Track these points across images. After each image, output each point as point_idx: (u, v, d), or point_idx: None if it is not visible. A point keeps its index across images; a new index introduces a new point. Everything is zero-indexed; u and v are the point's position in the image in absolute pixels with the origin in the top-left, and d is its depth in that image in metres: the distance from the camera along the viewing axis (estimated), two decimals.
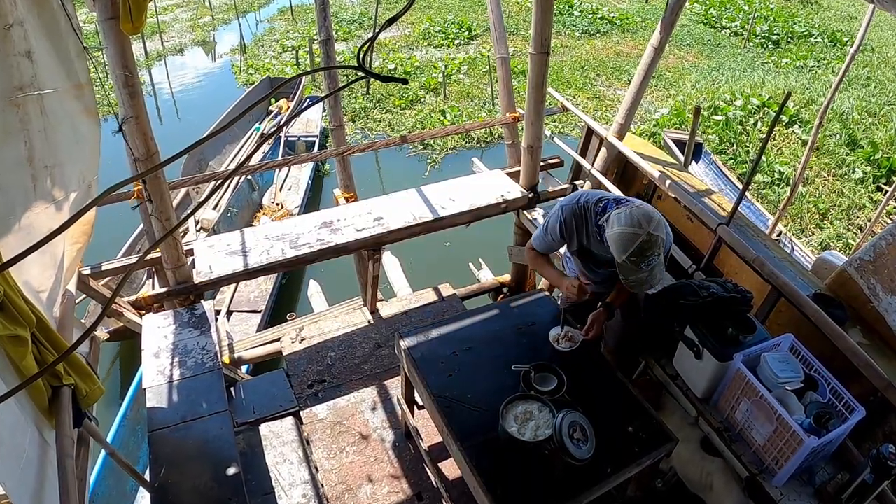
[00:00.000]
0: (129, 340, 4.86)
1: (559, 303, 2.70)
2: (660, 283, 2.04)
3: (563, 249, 2.73)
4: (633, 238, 1.94)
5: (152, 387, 2.57)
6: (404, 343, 2.46)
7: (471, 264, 5.30)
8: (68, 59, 2.07)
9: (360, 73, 1.06)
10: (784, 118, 8.94)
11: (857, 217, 7.36)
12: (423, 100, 10.53)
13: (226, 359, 3.67)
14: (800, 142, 8.59)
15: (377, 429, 3.11)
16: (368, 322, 3.84)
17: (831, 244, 6.84)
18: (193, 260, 3.19)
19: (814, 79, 10.89)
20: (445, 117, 9.81)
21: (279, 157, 7.93)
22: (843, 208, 7.46)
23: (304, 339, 3.71)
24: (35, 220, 1.84)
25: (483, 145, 9.35)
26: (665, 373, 2.65)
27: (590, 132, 4.27)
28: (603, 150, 4.07)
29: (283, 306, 5.79)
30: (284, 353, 3.64)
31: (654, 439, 2.11)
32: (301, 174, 7.76)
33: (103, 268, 3.05)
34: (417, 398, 2.73)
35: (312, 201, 7.58)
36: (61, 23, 2.01)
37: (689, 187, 3.69)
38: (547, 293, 2.84)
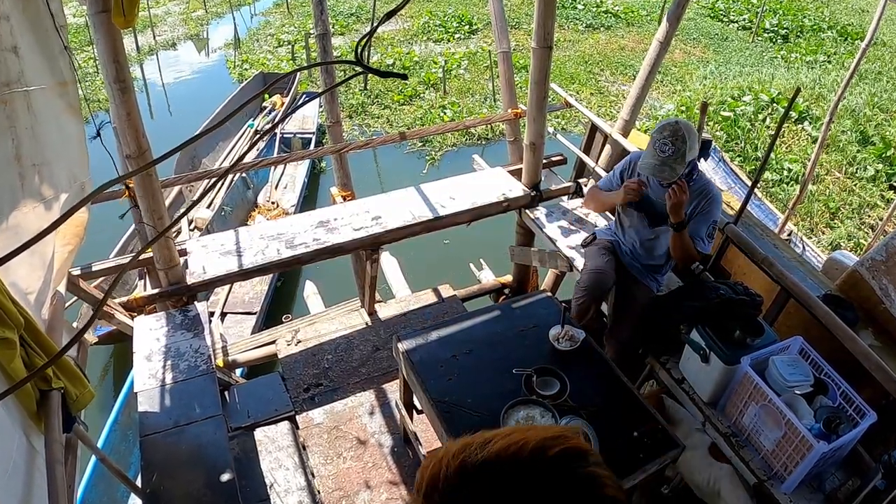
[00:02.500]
0: (121, 343, 4.85)
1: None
2: (668, 177, 2.45)
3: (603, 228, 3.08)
4: (666, 121, 2.48)
5: (144, 390, 2.57)
6: (403, 346, 2.46)
7: (471, 265, 5.30)
8: (53, 56, 2.07)
9: (358, 69, 1.06)
10: (793, 114, 8.94)
11: (869, 216, 7.36)
12: (422, 95, 10.53)
13: (219, 362, 3.67)
14: (810, 139, 8.58)
15: (375, 434, 3.10)
16: (366, 324, 3.84)
17: (842, 244, 6.84)
18: (186, 260, 3.19)
19: (824, 74, 10.88)
20: (445, 113, 9.80)
21: (274, 155, 7.93)
22: (854, 207, 7.45)
23: (299, 342, 3.71)
24: (23, 220, 1.84)
25: (484, 142, 9.35)
26: (671, 376, 2.65)
27: (594, 129, 4.27)
28: (607, 147, 4.06)
29: (278, 308, 5.78)
30: (280, 356, 3.64)
31: (660, 445, 2.11)
32: (297, 172, 7.76)
33: (94, 268, 3.05)
34: (416, 402, 2.73)
35: (309, 200, 7.58)
36: (46, 19, 2.01)
37: None
38: (549, 294, 2.84)
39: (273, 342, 3.81)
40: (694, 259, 2.64)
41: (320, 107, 9.12)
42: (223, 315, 5.49)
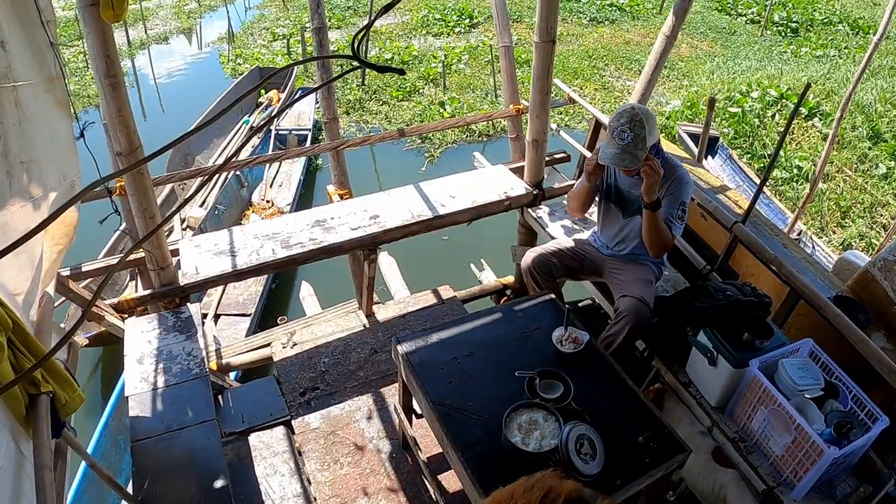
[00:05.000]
0: (111, 346, 4.85)
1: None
2: (629, 165, 2.49)
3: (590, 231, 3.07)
4: (622, 108, 2.51)
5: (135, 395, 2.57)
6: (402, 348, 2.46)
7: (472, 265, 5.30)
8: (41, 50, 2.07)
9: (355, 63, 1.06)
10: (803, 110, 8.94)
11: (881, 215, 7.36)
12: (421, 91, 10.54)
13: (213, 365, 3.67)
14: (820, 135, 8.59)
15: (373, 439, 3.11)
16: (364, 326, 3.84)
17: (853, 243, 6.85)
18: (179, 260, 3.20)
19: (834, 69, 10.88)
20: (445, 109, 9.81)
21: (269, 152, 7.93)
22: (866, 206, 7.46)
23: (295, 345, 3.71)
24: (10, 219, 1.84)
25: (485, 139, 9.36)
26: (677, 380, 2.65)
27: (598, 125, 4.27)
28: None
29: (273, 309, 5.79)
30: (275, 359, 3.64)
31: (666, 450, 2.11)
32: (293, 170, 7.77)
33: (83, 269, 3.05)
34: (416, 406, 2.73)
35: (305, 198, 7.59)
36: (34, 13, 2.01)
37: (703, 183, 3.69)
38: (552, 295, 2.84)
39: (268, 345, 3.81)
40: (666, 243, 2.63)
41: (317, 103, 9.13)
42: (217, 317, 5.49)
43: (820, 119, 8.91)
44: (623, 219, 2.80)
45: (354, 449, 3.05)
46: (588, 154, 4.26)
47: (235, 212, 7.02)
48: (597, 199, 2.95)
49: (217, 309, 5.53)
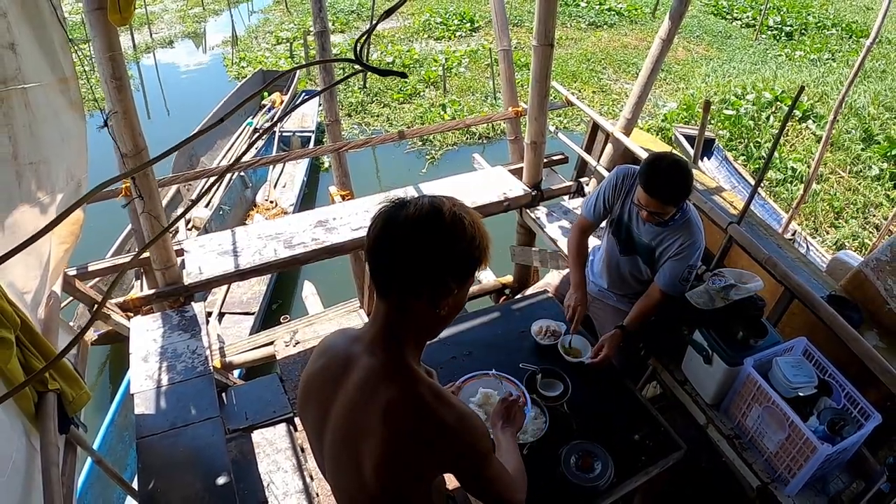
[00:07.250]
0: (117, 344, 4.86)
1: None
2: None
3: (592, 242, 2.83)
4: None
5: (140, 392, 2.57)
6: None
7: None
8: (52, 51, 2.07)
9: (358, 67, 1.06)
10: (797, 113, 8.94)
11: (874, 216, 7.36)
12: (422, 94, 10.53)
13: (217, 363, 3.67)
14: (814, 137, 8.58)
15: None
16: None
17: (846, 244, 6.84)
18: (183, 260, 3.20)
19: (828, 72, 10.88)
20: (445, 112, 9.80)
21: (273, 153, 7.93)
22: (859, 206, 7.46)
23: (298, 343, 3.71)
24: (20, 219, 1.84)
25: (484, 141, 9.35)
26: (673, 378, 2.65)
27: (595, 127, 4.27)
28: (609, 145, 4.07)
29: (276, 308, 5.79)
30: (278, 357, 3.64)
31: (662, 448, 2.11)
32: (296, 170, 7.77)
33: (90, 268, 3.05)
34: None
35: (308, 198, 7.59)
36: (45, 13, 2.01)
37: (699, 184, 3.69)
38: (551, 294, 2.84)
39: (271, 343, 3.81)
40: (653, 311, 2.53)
41: (319, 105, 9.13)
42: (221, 315, 5.49)
43: (814, 121, 8.91)
44: (620, 255, 2.61)
45: None
46: (586, 155, 4.26)
47: (240, 212, 7.02)
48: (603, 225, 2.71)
49: (221, 307, 5.53)
